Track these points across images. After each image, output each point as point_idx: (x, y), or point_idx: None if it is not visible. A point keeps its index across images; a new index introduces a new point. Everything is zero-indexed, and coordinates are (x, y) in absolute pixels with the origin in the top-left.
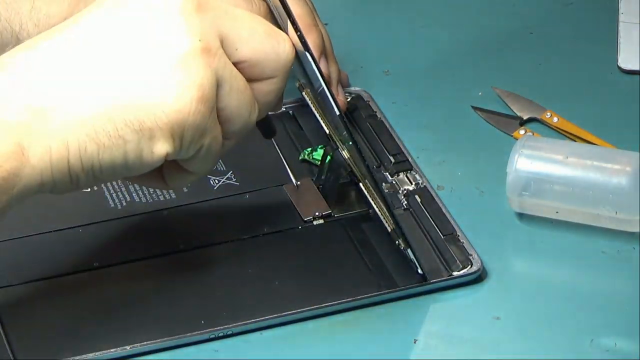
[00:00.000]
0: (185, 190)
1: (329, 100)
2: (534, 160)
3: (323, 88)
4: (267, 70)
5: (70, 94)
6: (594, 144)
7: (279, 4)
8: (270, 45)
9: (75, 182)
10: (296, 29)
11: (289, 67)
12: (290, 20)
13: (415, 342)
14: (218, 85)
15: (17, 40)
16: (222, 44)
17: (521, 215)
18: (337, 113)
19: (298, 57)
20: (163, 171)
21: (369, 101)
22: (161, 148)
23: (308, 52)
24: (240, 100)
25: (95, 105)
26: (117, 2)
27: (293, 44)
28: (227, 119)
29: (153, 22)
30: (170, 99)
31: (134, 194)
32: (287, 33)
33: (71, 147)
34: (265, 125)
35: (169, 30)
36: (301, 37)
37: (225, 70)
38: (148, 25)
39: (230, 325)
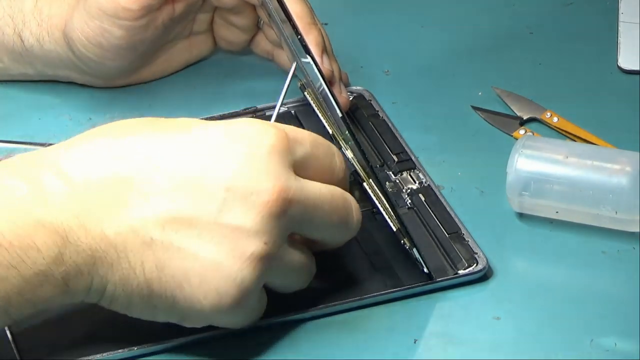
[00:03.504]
0: None
1: (331, 102)
2: (534, 160)
3: (325, 89)
4: (332, 244)
5: None
6: (594, 144)
7: (277, 5)
8: (340, 231)
9: None
10: (296, 32)
11: (353, 235)
12: (290, 23)
13: (415, 342)
14: (268, 271)
15: (19, 39)
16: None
17: (521, 215)
18: (340, 115)
19: (302, 59)
20: None
21: (370, 100)
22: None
23: (309, 54)
24: (287, 281)
25: None
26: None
27: (361, 214)
28: (274, 288)
29: (232, 203)
30: (209, 299)
31: None
32: (285, 34)
33: None
34: None
35: (243, 219)
36: (301, 40)
37: (279, 269)
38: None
39: None
